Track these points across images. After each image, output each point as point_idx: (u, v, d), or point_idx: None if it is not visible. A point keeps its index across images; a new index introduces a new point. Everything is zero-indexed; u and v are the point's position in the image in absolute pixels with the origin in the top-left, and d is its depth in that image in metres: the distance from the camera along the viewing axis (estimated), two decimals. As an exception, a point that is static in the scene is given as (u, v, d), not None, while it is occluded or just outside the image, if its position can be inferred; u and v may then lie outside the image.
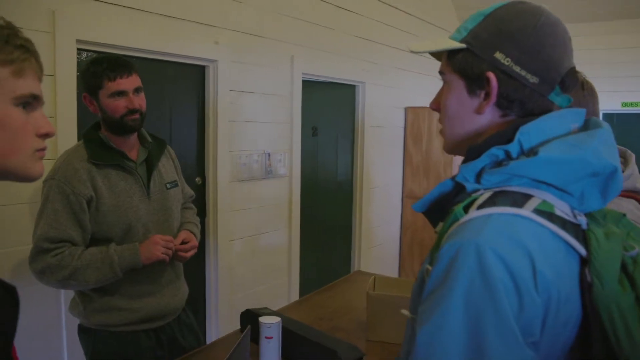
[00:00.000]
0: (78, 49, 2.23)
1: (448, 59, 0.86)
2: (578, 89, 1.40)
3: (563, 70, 0.81)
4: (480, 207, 0.73)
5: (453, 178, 0.83)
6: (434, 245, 0.78)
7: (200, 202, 2.94)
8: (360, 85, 4.09)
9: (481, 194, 0.76)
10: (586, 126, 0.83)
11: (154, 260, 1.68)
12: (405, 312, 0.86)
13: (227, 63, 2.91)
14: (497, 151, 0.78)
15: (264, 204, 3.29)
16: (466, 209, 0.74)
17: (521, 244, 0.68)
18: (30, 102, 0.81)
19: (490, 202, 0.73)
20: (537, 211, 0.72)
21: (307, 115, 3.63)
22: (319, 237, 3.96)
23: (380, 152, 4.37)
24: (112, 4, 2.34)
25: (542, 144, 0.76)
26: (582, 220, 0.75)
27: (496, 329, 0.65)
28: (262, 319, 1.69)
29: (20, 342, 2.12)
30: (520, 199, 0.73)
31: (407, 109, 4.73)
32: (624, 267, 0.71)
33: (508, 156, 0.77)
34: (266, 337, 1.67)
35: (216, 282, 2.99)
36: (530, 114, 0.81)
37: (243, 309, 1.91)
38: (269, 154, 3.27)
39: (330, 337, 1.70)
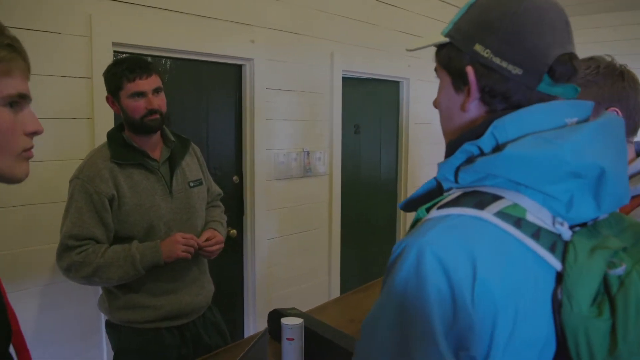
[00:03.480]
0: (114, 52, 2.29)
1: (436, 54, 0.82)
2: (617, 80, 1.27)
3: (550, 58, 0.72)
4: (440, 207, 0.69)
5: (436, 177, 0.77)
6: None
7: (238, 201, 2.96)
8: (404, 81, 3.99)
9: (451, 194, 0.71)
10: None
11: (175, 259, 1.69)
12: None
13: (264, 61, 2.91)
14: (469, 147, 0.71)
15: (302, 202, 3.28)
16: (429, 209, 0.70)
17: (467, 248, 0.62)
18: (18, 101, 0.81)
19: (453, 203, 0.68)
20: (502, 214, 0.65)
21: (349, 113, 3.58)
22: (361, 237, 3.90)
23: (426, 150, 4.25)
24: (147, 6, 2.38)
25: (517, 139, 0.68)
26: (563, 229, 0.65)
27: (421, 335, 0.61)
28: (284, 320, 1.67)
29: (63, 333, 2.21)
30: (486, 200, 0.66)
31: (455, 105, 4.57)
32: (607, 288, 0.62)
33: (481, 152, 0.70)
34: (287, 339, 1.65)
35: (253, 281, 3.00)
36: (517, 108, 0.72)
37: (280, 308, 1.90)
38: (308, 152, 3.25)
39: (356, 341, 1.65)
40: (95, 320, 2.27)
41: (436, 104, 0.85)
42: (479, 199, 0.67)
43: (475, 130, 0.73)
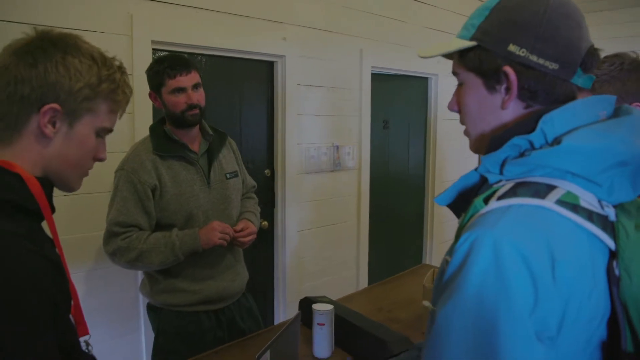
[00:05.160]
0: (153, 49, 2.39)
1: (460, 58, 0.84)
2: None
3: (583, 50, 0.77)
4: (500, 198, 0.71)
5: (477, 169, 0.81)
6: (455, 237, 0.78)
7: (269, 194, 3.04)
8: (433, 77, 4.02)
9: (502, 185, 0.74)
10: (616, 114, 0.79)
11: (212, 245, 1.78)
12: (426, 303, 0.86)
13: (295, 58, 2.98)
14: (519, 141, 0.75)
15: (332, 196, 3.34)
16: (486, 201, 0.73)
17: (540, 235, 0.66)
18: (105, 133, 0.96)
19: (511, 193, 0.71)
20: (560, 202, 0.69)
21: (378, 108, 3.63)
22: (389, 230, 3.95)
23: (454, 145, 4.27)
24: (184, 5, 2.47)
25: (567, 132, 0.73)
26: (610, 211, 0.71)
27: (508, 324, 0.63)
28: (315, 306, 1.73)
29: (105, 316, 2.33)
30: (542, 190, 0.70)
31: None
32: None
33: (531, 146, 0.75)
34: (318, 324, 1.71)
35: (284, 271, 3.09)
36: (555, 102, 0.78)
37: (309, 298, 1.97)
38: (338, 147, 3.31)
39: (384, 328, 1.70)
40: (135, 305, 2.39)
41: (458, 107, 0.88)
42: (535, 189, 0.70)
43: (523, 125, 0.77)
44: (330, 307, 1.73)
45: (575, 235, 0.68)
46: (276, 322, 3.13)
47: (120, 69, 0.95)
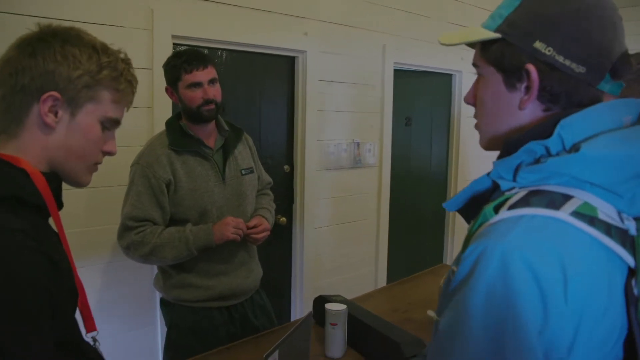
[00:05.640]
0: (174, 44, 2.39)
1: (482, 50, 0.79)
2: None
3: (614, 55, 0.71)
4: (511, 207, 0.67)
5: (489, 174, 0.76)
6: (462, 246, 0.74)
7: (288, 190, 3.03)
8: (457, 74, 3.94)
9: (515, 193, 0.69)
10: None
11: (225, 240, 1.77)
12: (431, 313, 0.83)
13: (316, 53, 2.96)
14: (535, 146, 0.70)
15: (351, 192, 3.32)
16: (497, 209, 0.68)
17: (553, 249, 0.62)
18: (111, 124, 0.95)
19: (523, 202, 0.66)
20: (576, 214, 0.64)
21: (400, 105, 3.59)
22: (409, 229, 3.90)
23: (477, 144, 4.18)
24: (205, 0, 2.47)
25: (587, 139, 0.67)
26: (631, 225, 0.65)
27: (513, 342, 0.60)
28: (328, 306, 1.71)
29: (121, 308, 2.35)
30: (558, 200, 0.66)
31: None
32: None
33: (548, 152, 0.70)
34: (331, 324, 1.69)
35: (301, 268, 3.08)
36: (577, 107, 0.72)
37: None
38: (358, 144, 3.28)
39: (398, 329, 1.68)
40: (152, 298, 2.41)
41: (473, 100, 0.84)
42: (550, 199, 0.66)
43: (539, 129, 0.72)
44: (343, 307, 1.71)
45: (591, 251, 0.63)
46: (292, 319, 3.12)
47: (125, 60, 0.94)
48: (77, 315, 0.92)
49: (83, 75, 0.87)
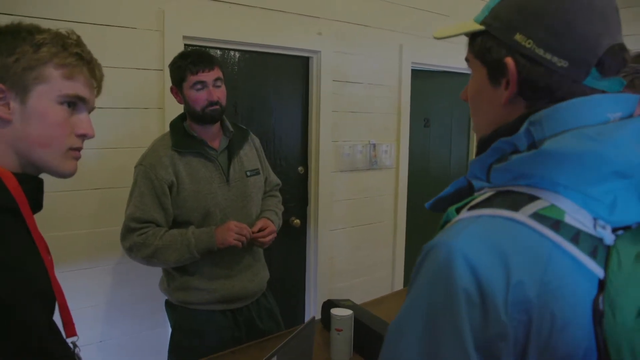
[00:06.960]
0: (185, 45, 2.39)
1: (470, 43, 0.76)
2: None
3: (601, 49, 0.65)
4: (472, 207, 0.65)
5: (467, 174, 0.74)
6: None
7: (302, 191, 3.00)
8: (478, 73, 3.85)
9: (483, 194, 0.67)
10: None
11: (227, 245, 1.75)
12: None
13: (331, 53, 2.92)
14: (502, 144, 0.67)
15: (367, 194, 3.27)
16: (459, 210, 0.67)
17: (500, 252, 0.59)
18: (76, 102, 0.91)
19: (485, 203, 0.64)
20: (538, 216, 0.60)
21: (418, 105, 3.52)
22: (427, 232, 3.81)
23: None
24: (216, 0, 2.46)
25: (554, 135, 0.63)
26: (605, 233, 0.60)
27: (448, 342, 0.59)
28: (333, 311, 1.69)
29: (132, 309, 2.35)
30: (522, 201, 0.62)
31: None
32: None
33: (517, 150, 0.66)
34: (336, 329, 1.67)
35: (315, 271, 3.04)
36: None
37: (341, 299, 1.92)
38: (374, 145, 3.23)
39: (406, 335, 1.63)
40: (160, 299, 2.40)
41: (466, 97, 0.80)
42: (513, 200, 0.63)
43: (510, 126, 0.68)
44: (348, 312, 1.68)
45: (550, 255, 0.59)
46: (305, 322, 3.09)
47: (66, 36, 0.90)
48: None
49: (19, 58, 0.84)
